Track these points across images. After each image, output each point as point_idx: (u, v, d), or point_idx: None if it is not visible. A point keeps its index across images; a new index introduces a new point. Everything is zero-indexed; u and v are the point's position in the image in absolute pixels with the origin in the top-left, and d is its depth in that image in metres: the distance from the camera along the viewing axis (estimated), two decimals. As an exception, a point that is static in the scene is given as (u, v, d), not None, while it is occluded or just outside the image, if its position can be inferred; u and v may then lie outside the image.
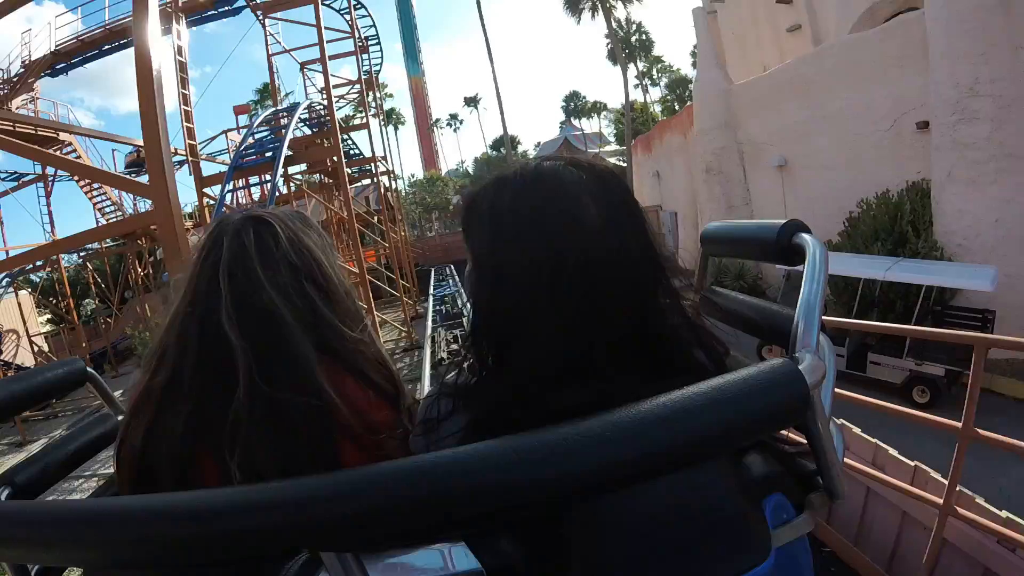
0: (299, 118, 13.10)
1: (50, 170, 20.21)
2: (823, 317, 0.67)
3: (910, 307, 10.44)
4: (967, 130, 10.13)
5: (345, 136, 17.88)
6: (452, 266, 29.24)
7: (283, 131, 10.32)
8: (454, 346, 11.38)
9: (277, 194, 19.96)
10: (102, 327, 23.88)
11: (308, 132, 14.00)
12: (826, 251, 0.72)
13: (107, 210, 22.02)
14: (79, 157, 19.68)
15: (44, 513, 0.50)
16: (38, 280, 26.24)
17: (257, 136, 11.27)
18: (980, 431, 2.49)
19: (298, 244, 0.98)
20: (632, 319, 0.74)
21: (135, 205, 21.54)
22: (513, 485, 0.47)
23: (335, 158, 11.38)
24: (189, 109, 10.63)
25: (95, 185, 20.61)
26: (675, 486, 0.63)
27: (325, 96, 11.37)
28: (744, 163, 16.66)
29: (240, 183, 10.84)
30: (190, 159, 10.26)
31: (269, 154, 10.12)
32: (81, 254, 24.49)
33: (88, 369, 1.07)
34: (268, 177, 9.59)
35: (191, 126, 10.64)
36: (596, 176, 0.79)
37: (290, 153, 10.78)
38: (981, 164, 10.05)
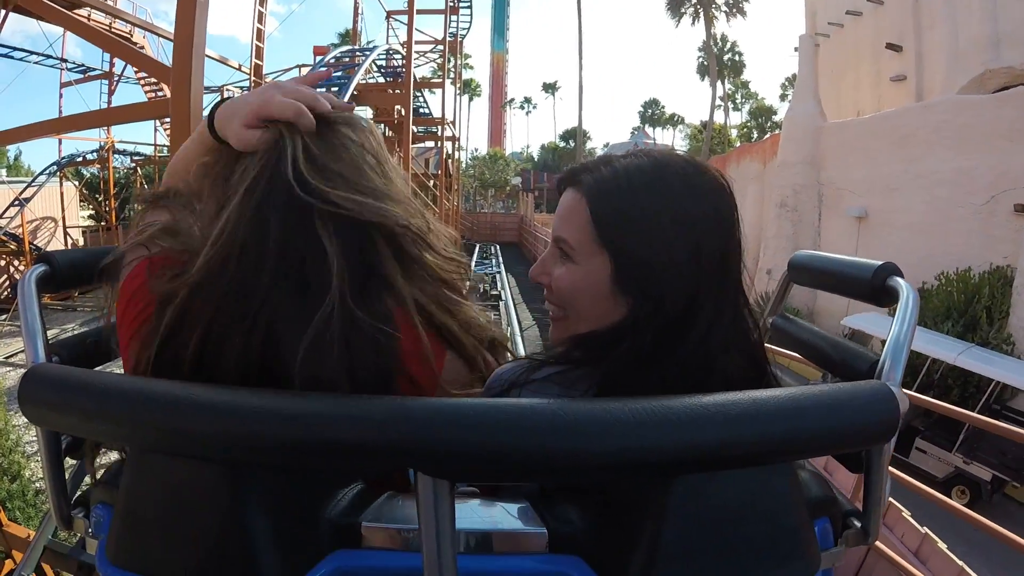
0: (375, 63, 12.73)
1: (117, 69, 20.08)
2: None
3: (966, 397, 9.86)
4: (1071, 225, 9.35)
5: (417, 92, 17.46)
6: (498, 246, 29.02)
7: (355, 68, 9.88)
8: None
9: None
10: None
11: (381, 80, 13.65)
12: (919, 299, 0.74)
13: (166, 119, 22.02)
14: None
15: (143, 391, 0.54)
16: (87, 175, 26.40)
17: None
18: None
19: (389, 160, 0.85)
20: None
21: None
22: (632, 447, 0.50)
23: (403, 110, 10.89)
24: (262, 28, 10.11)
25: (159, 92, 20.65)
26: (748, 485, 0.61)
27: (405, 47, 10.83)
28: (821, 206, 15.80)
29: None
30: (253, 79, 9.88)
31: (336, 89, 9.65)
32: (134, 158, 24.70)
33: None
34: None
35: (261, 45, 10.12)
36: (698, 169, 0.78)
37: (356, 93, 10.35)
38: (1077, 265, 9.29)
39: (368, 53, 10.98)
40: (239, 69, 11.20)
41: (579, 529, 0.61)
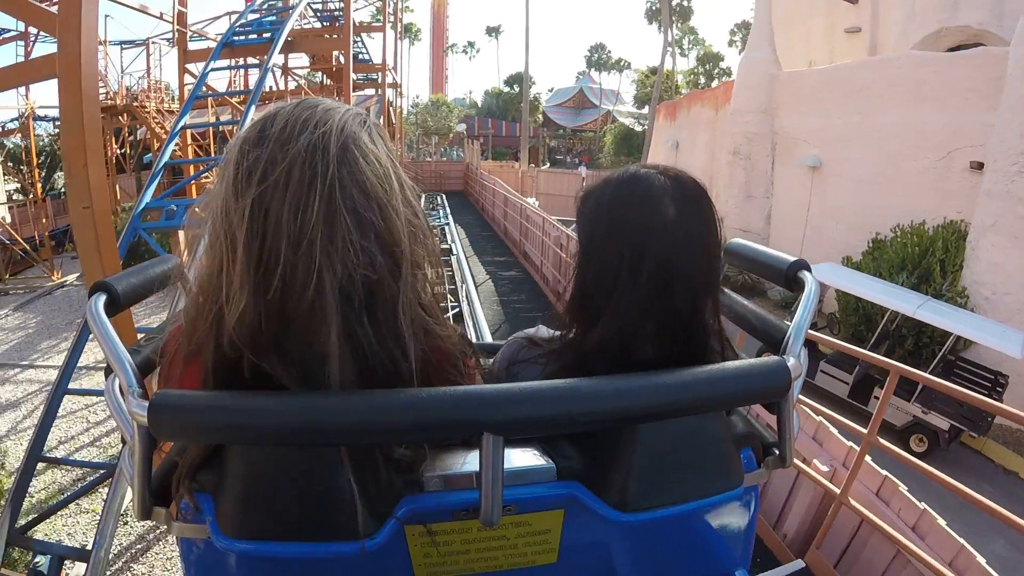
0: (311, 7, 11.61)
1: (32, 30, 18.04)
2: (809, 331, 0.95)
3: (920, 347, 10.10)
4: (1026, 184, 9.40)
5: (356, 37, 16.25)
6: (444, 196, 28.13)
7: (289, 11, 8.88)
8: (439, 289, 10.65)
9: (270, 88, 18.55)
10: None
11: (318, 26, 12.51)
12: (819, 288, 0.99)
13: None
14: None
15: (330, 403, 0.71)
16: (10, 145, 24.08)
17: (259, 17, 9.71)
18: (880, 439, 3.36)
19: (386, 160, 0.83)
20: (689, 303, 0.94)
21: (120, 82, 19.68)
22: (612, 409, 0.76)
23: (342, 56, 9.90)
24: None
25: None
26: (691, 426, 0.90)
27: None
28: (774, 154, 15.65)
29: (231, 63, 9.38)
30: (176, 28, 8.78)
31: (268, 35, 8.66)
32: (58, 123, 22.62)
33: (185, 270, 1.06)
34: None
35: None
36: (679, 184, 0.96)
37: (291, 40, 9.34)
38: (1031, 222, 9.39)
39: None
40: (160, 18, 9.97)
41: (577, 462, 0.87)
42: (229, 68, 8.83)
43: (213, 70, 8.18)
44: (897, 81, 12.47)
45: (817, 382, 9.69)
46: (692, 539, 0.99)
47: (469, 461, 0.83)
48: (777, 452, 0.98)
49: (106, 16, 19.11)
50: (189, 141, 10.75)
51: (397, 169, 0.82)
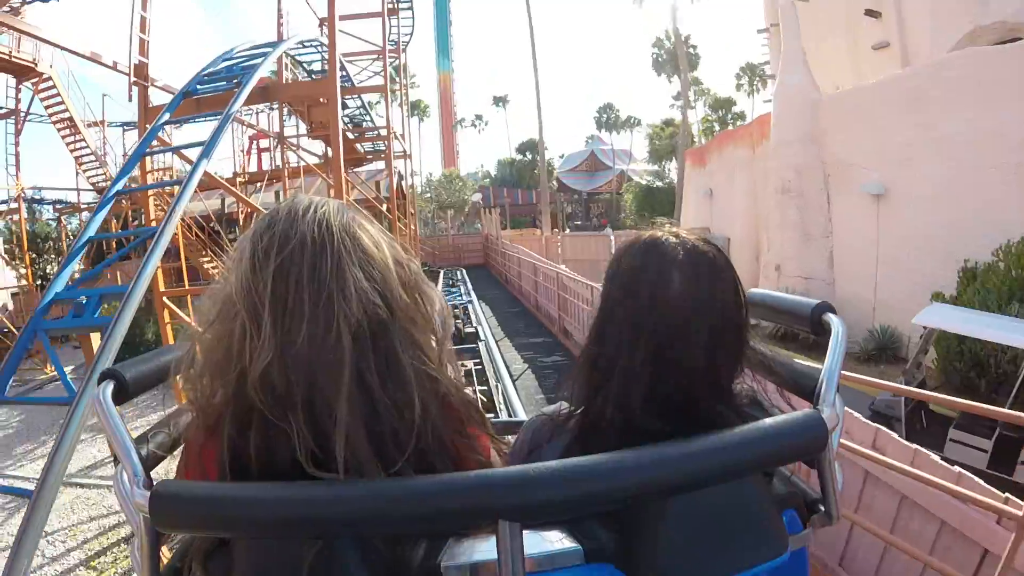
0: (303, 65, 10.49)
1: (23, 105, 17.55)
2: (843, 373, 0.92)
3: None
4: None
5: (354, 97, 15.19)
6: (463, 270, 26.78)
7: (262, 59, 7.57)
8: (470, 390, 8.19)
9: (274, 166, 17.58)
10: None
11: (309, 81, 11.39)
12: (846, 330, 0.96)
13: (85, 161, 19.30)
14: (58, 97, 17.16)
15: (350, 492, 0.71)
16: (8, 230, 23.38)
17: (233, 62, 8.31)
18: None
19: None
20: (691, 377, 0.93)
21: (124, 156, 18.81)
22: (634, 484, 0.73)
23: (327, 97, 8.52)
24: (145, 15, 7.64)
25: (77, 136, 18.00)
26: (726, 492, 0.82)
27: (328, 23, 8.39)
28: (828, 187, 14.01)
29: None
30: (132, 80, 7.43)
31: (237, 81, 7.21)
32: (57, 206, 22.00)
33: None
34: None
35: (145, 38, 7.70)
36: (693, 255, 0.95)
37: (266, 87, 8.04)
38: None
39: (281, 44, 8.64)
40: (114, 68, 8.93)
41: (606, 542, 0.80)
42: (190, 121, 7.41)
43: (171, 122, 6.90)
44: (960, 83, 10.99)
45: (948, 454, 7.66)
46: None
47: (493, 546, 0.72)
48: (822, 508, 0.92)
49: (104, 96, 18.60)
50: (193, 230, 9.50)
51: (387, 237, 0.96)
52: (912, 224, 11.77)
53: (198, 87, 7.33)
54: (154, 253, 4.41)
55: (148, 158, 7.23)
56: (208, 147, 5.60)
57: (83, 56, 8.82)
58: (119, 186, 5.86)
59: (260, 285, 0.82)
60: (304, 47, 11.18)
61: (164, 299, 7.93)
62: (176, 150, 7.52)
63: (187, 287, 9.31)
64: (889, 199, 12.31)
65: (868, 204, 12.67)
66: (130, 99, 7.58)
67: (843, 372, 3.10)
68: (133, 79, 7.34)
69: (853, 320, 12.60)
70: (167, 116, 6.77)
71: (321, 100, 10.62)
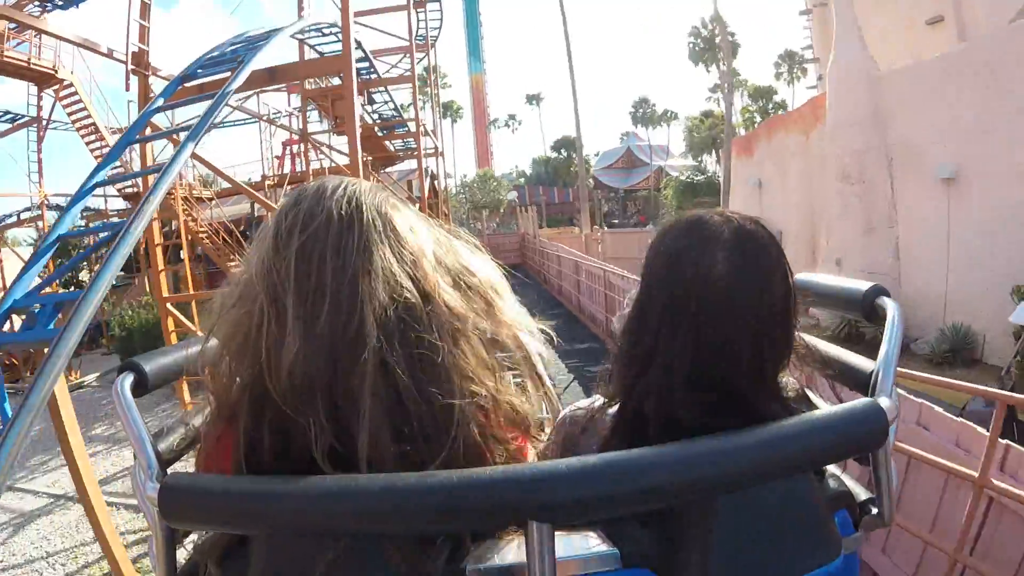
0: (311, 45, 9.87)
1: (44, 112, 17.51)
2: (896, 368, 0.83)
3: None
4: None
5: (380, 89, 14.54)
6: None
7: (265, 41, 6.89)
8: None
9: (299, 169, 17.08)
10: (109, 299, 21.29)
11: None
12: (903, 314, 0.88)
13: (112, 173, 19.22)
14: (80, 103, 17.05)
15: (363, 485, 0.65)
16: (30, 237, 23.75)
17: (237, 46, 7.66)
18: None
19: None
20: (738, 363, 0.83)
21: (146, 160, 18.64)
22: (675, 481, 0.66)
23: (341, 76, 7.74)
24: (147, 0, 7.12)
25: (100, 140, 17.89)
26: (776, 492, 0.73)
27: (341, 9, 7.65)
28: (892, 171, 12.85)
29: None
30: (131, 68, 6.97)
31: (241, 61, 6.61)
32: (85, 213, 22.03)
33: None
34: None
35: (145, 24, 7.15)
36: (740, 234, 0.86)
37: (272, 70, 7.37)
38: None
39: (291, 26, 8.04)
40: (110, 56, 8.46)
41: (645, 545, 0.72)
42: (167, 108, 6.77)
43: (168, 107, 6.29)
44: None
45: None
46: None
47: (522, 548, 0.67)
48: (875, 510, 0.83)
49: (128, 102, 18.47)
50: (185, 238, 9.01)
51: (429, 222, 0.88)
52: (988, 209, 10.59)
53: (199, 71, 6.75)
54: (117, 251, 3.78)
55: (150, 153, 6.76)
56: (196, 129, 4.97)
57: (73, 43, 8.43)
58: (100, 176, 5.30)
59: (281, 265, 0.77)
60: (323, 35, 10.57)
61: (168, 305, 7.48)
62: (168, 135, 6.95)
63: (191, 292, 8.76)
64: (961, 182, 11.12)
65: (938, 189, 11.50)
66: (127, 88, 7.11)
67: (914, 373, 3.26)
68: (131, 67, 6.83)
69: (922, 319, 11.51)
70: (161, 101, 6.19)
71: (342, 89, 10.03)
